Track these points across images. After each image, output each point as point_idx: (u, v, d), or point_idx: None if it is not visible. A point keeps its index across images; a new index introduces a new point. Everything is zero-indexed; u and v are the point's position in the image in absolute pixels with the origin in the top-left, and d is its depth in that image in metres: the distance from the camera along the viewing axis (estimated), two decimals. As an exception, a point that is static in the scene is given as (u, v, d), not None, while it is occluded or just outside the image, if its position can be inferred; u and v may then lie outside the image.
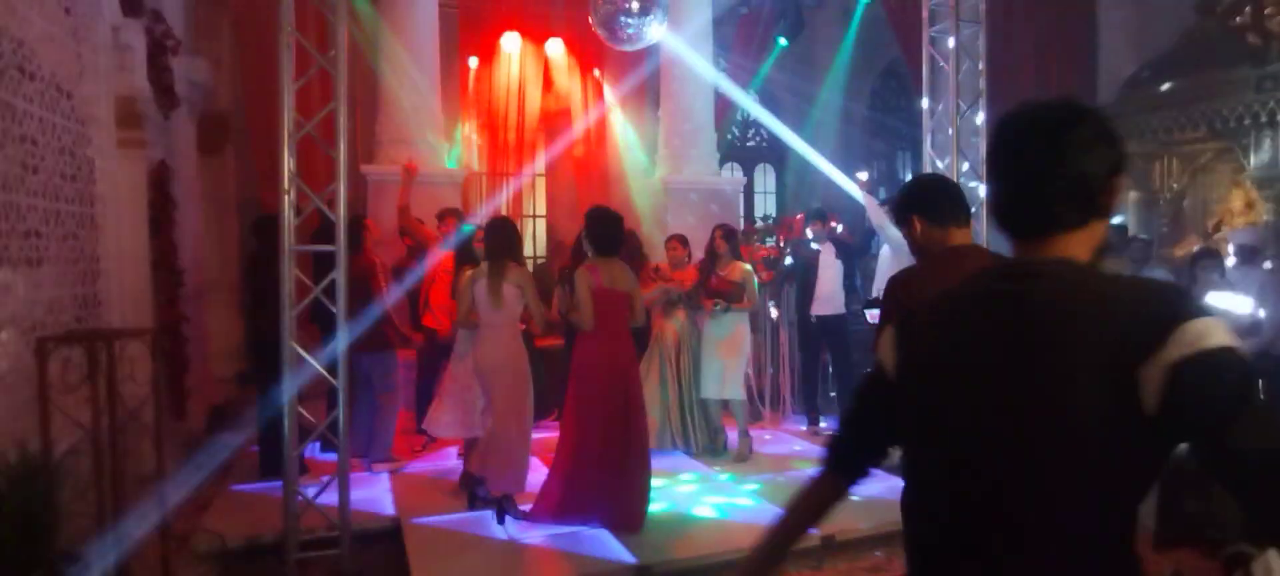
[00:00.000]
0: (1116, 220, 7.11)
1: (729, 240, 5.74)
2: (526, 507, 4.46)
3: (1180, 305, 1.07)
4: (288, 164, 3.68)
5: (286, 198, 3.69)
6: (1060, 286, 1.15)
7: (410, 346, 5.68)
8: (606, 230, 4.44)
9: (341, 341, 3.83)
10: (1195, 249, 6.06)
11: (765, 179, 12.44)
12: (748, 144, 12.16)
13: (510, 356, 4.51)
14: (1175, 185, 7.84)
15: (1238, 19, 8.17)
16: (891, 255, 5.21)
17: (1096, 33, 8.63)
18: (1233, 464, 1.01)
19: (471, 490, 4.63)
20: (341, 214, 3.80)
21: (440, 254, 5.67)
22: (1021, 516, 1.12)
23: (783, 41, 9.58)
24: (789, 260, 6.96)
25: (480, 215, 6.48)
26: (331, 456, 4.80)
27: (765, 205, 12.28)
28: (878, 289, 6.98)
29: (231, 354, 7.74)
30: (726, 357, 5.67)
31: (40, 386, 3.17)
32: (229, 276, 7.97)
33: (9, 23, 3.44)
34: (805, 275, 6.36)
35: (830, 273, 6.21)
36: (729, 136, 9.85)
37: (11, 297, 3.37)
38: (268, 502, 4.69)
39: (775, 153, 11.88)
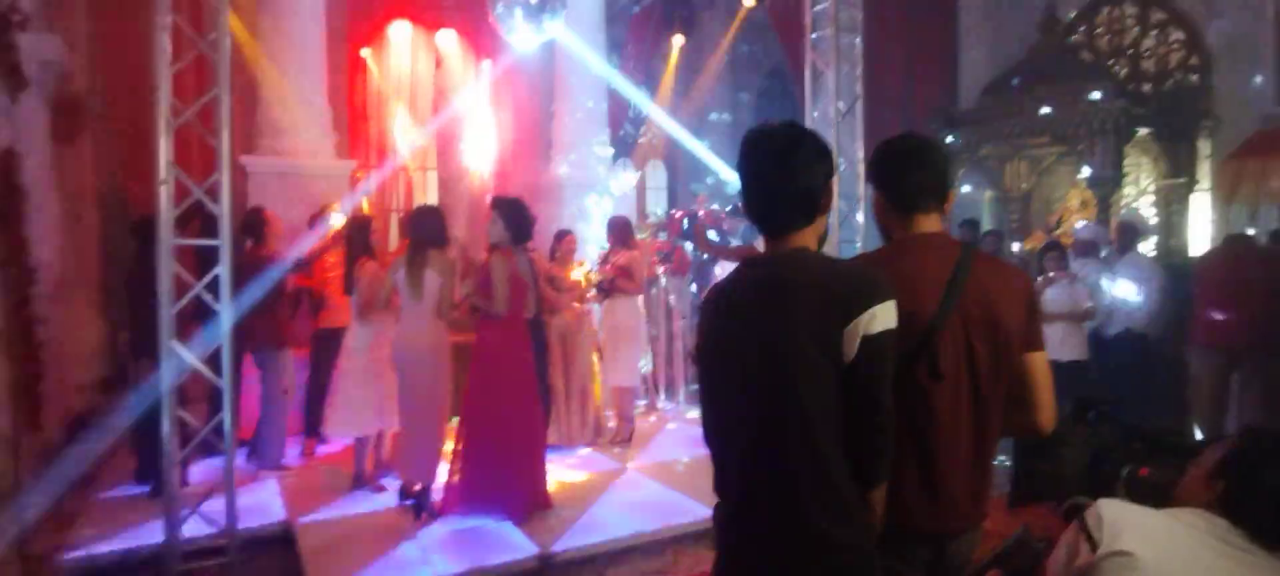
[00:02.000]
0: (970, 216, 7.82)
1: (613, 232, 6.06)
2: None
3: (874, 289, 1.46)
4: (165, 153, 3.48)
5: (164, 188, 3.49)
6: (793, 268, 1.53)
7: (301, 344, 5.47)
8: (523, 219, 4.50)
9: (226, 337, 3.66)
10: (1042, 242, 6.74)
11: (657, 175, 12.68)
12: (640, 140, 12.35)
13: (432, 346, 4.45)
14: (1023, 185, 8.67)
15: (1074, 37, 9.15)
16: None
17: (958, 44, 9.40)
18: (879, 414, 1.47)
19: (402, 487, 4.54)
20: (225, 206, 3.63)
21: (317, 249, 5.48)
22: (779, 452, 1.47)
23: (678, 39, 9.81)
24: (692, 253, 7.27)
25: (349, 207, 6.29)
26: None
27: (657, 201, 12.53)
28: None
29: (93, 358, 7.14)
30: (623, 345, 5.91)
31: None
32: (88, 273, 7.34)
33: None
34: (703, 269, 6.63)
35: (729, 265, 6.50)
36: (621, 133, 9.99)
37: None
38: (143, 511, 4.41)
39: (666, 149, 12.13)
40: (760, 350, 1.50)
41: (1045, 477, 2.42)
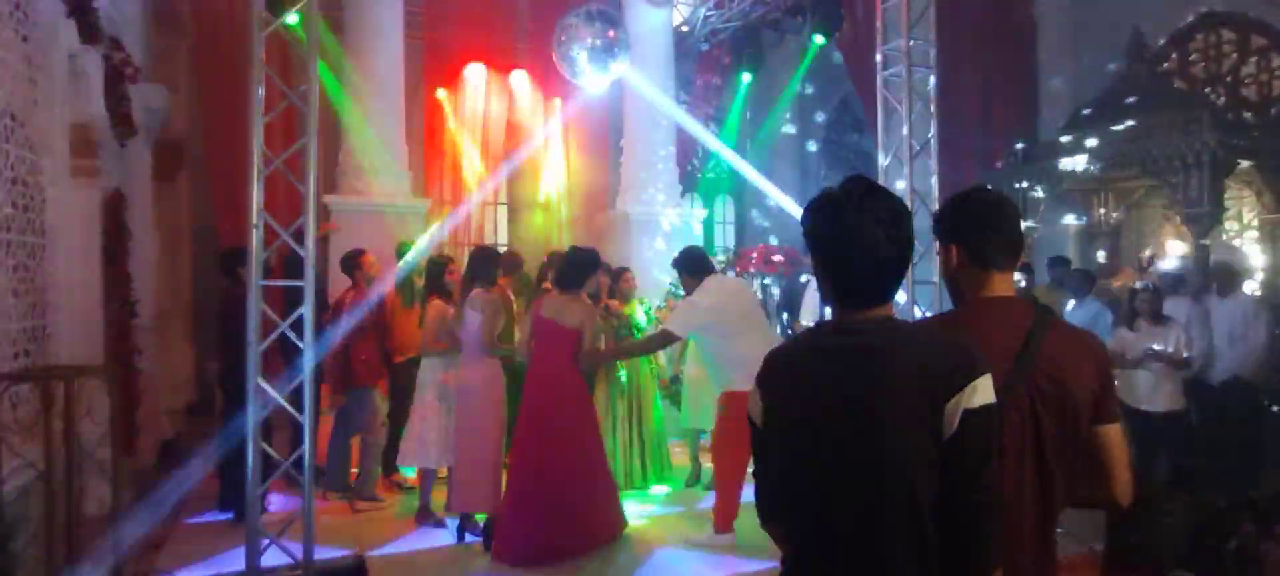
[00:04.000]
0: (1059, 253, 7.47)
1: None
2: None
3: (975, 361, 1.41)
4: (256, 199, 3.66)
5: (254, 232, 3.66)
6: (887, 339, 1.46)
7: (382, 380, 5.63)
8: (568, 267, 4.60)
9: (308, 375, 3.79)
10: (1135, 284, 6.36)
11: (725, 210, 12.66)
12: (707, 175, 12.39)
13: (482, 380, 4.57)
14: (1113, 218, 8.26)
15: (1165, 65, 8.72)
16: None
17: (1038, 76, 9.09)
18: (979, 492, 1.39)
19: (461, 521, 4.65)
20: (310, 248, 3.78)
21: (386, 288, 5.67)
22: (880, 533, 1.39)
23: (746, 77, 9.83)
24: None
25: (430, 245, 6.49)
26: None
27: (725, 236, 12.49)
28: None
29: (182, 385, 7.54)
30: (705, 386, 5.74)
31: (-6, 426, 3.08)
32: (181, 305, 7.78)
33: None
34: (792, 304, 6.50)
35: (813, 301, 6.37)
36: (689, 168, 10.03)
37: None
38: (225, 538, 4.59)
39: (735, 185, 12.11)
40: (856, 425, 1.41)
41: (1140, 548, 2.26)
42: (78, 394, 3.55)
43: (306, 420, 3.78)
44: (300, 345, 3.69)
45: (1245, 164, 7.57)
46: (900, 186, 5.35)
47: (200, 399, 7.63)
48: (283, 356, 4.11)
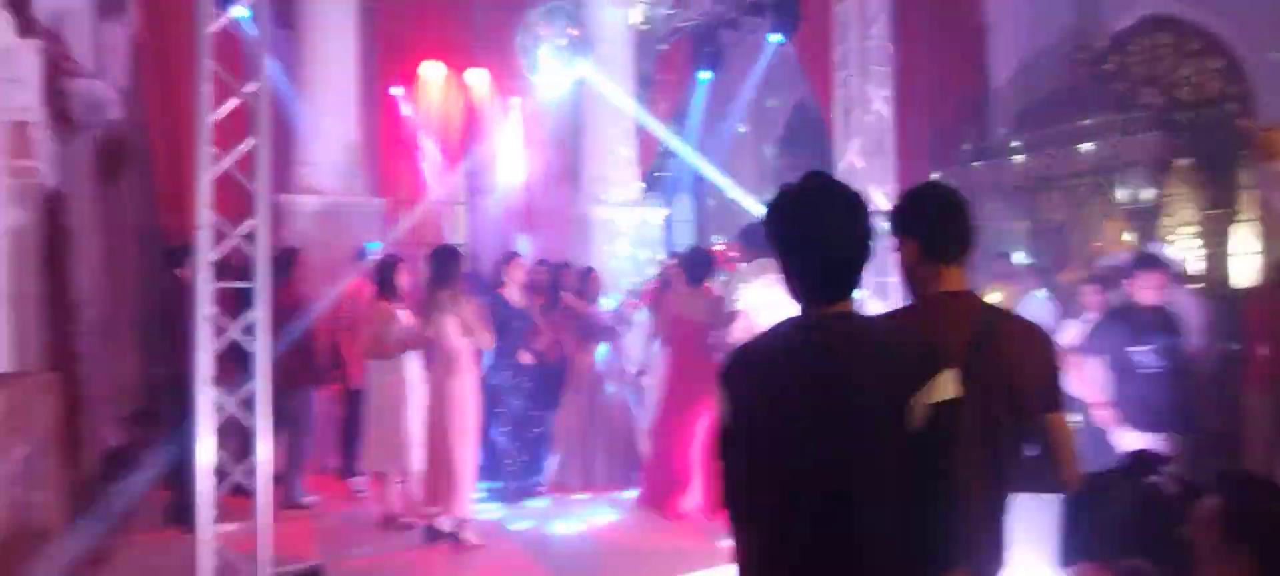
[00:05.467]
0: (1005, 249, 7.68)
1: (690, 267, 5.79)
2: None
3: (938, 355, 1.44)
4: (204, 198, 3.55)
5: (202, 232, 3.55)
6: (853, 334, 1.48)
7: (329, 383, 5.50)
8: (690, 265, 5.25)
9: (261, 379, 3.69)
10: (1077, 277, 6.58)
11: (683, 209, 12.69)
12: (666, 175, 12.39)
13: (451, 383, 4.54)
14: (1058, 217, 8.52)
15: (1106, 65, 9.02)
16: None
17: (987, 77, 9.32)
18: (943, 484, 1.40)
19: (428, 523, 4.60)
20: (262, 250, 3.69)
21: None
22: (847, 529, 1.40)
23: (704, 76, 9.87)
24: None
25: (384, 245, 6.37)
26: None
27: (685, 235, 12.52)
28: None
29: (128, 392, 7.27)
30: None
31: (-76, 438, 2.92)
32: (125, 309, 7.50)
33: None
34: None
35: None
36: (650, 168, 10.03)
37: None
38: (175, 552, 4.44)
39: (693, 183, 12.13)
40: (824, 421, 1.42)
41: (1096, 532, 2.33)
42: (15, 402, 3.40)
43: (258, 426, 3.68)
44: (249, 349, 3.59)
45: (1183, 161, 7.87)
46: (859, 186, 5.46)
47: (147, 406, 7.38)
48: (233, 360, 4.00)
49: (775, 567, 1.51)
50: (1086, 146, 7.87)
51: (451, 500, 4.50)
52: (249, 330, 3.62)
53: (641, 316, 6.67)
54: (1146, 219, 7.61)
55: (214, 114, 3.67)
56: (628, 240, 8.07)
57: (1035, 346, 1.79)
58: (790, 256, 1.51)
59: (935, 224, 1.83)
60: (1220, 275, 7.79)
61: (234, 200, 5.22)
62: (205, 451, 3.56)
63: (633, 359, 6.78)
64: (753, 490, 1.54)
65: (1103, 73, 8.90)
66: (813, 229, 1.47)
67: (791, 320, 1.54)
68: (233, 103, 3.78)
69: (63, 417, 4.93)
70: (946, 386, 1.41)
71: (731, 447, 1.59)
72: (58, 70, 5.16)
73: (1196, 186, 8.09)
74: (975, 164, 8.58)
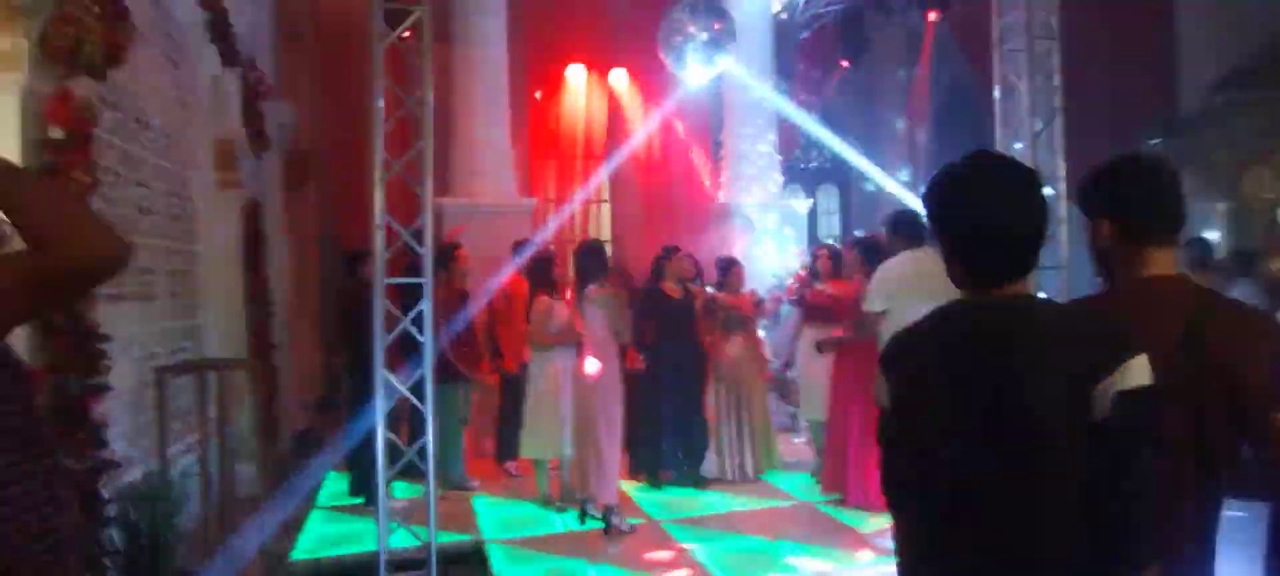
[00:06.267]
0: (1205, 234, 6.83)
1: (834, 259, 5.72)
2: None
3: (1126, 340, 1.33)
4: (378, 202, 3.86)
5: (377, 233, 3.87)
6: (1030, 317, 1.39)
7: (488, 372, 5.81)
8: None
9: (428, 367, 3.97)
10: (1293, 263, 5.74)
11: (829, 200, 12.37)
12: (810, 165, 12.11)
13: (601, 373, 4.69)
14: (1268, 195, 7.49)
15: (1329, 20, 7.81)
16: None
17: (1176, 40, 8.34)
18: (1133, 481, 1.29)
19: (581, 508, 4.81)
20: (428, 247, 3.96)
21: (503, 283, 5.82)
22: (1023, 522, 1.32)
23: (845, 63, 9.56)
24: None
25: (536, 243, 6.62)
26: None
27: (829, 226, 12.19)
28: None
29: (312, 380, 8.06)
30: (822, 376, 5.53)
31: (160, 412, 3.38)
32: (310, 304, 8.32)
33: (128, 79, 3.74)
34: None
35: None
36: (793, 158, 9.84)
37: (128, 329, 3.62)
38: (356, 523, 4.88)
39: (838, 173, 11.79)
40: (998, 409, 1.33)
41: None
42: (228, 385, 3.86)
43: (429, 409, 3.96)
44: (420, 339, 3.86)
45: None
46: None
47: (327, 393, 8.16)
48: (402, 352, 4.33)
49: (942, 561, 1.44)
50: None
51: (601, 486, 4.65)
52: (417, 322, 3.90)
53: (787, 310, 6.57)
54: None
55: (386, 124, 3.98)
56: (771, 232, 7.96)
57: (1261, 336, 1.58)
58: (955, 238, 1.43)
59: (1139, 200, 1.65)
60: None
61: (402, 204, 5.65)
62: (382, 434, 3.87)
63: (778, 352, 6.70)
64: (918, 480, 1.47)
65: (1322, 27, 7.73)
66: (982, 206, 1.39)
67: (958, 302, 1.46)
68: (401, 113, 4.08)
69: (264, 399, 5.56)
70: (1138, 373, 1.30)
71: (895, 435, 1.53)
72: (254, 93, 5.80)
73: None
74: (1160, 139, 7.72)
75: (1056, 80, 5.09)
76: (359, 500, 5.29)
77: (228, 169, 5.40)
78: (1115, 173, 1.69)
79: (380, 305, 3.78)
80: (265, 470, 5.15)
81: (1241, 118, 7.31)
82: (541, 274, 5.27)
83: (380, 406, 3.77)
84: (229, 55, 5.33)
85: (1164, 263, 1.63)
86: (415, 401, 3.93)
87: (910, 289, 4.07)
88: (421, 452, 3.96)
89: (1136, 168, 1.69)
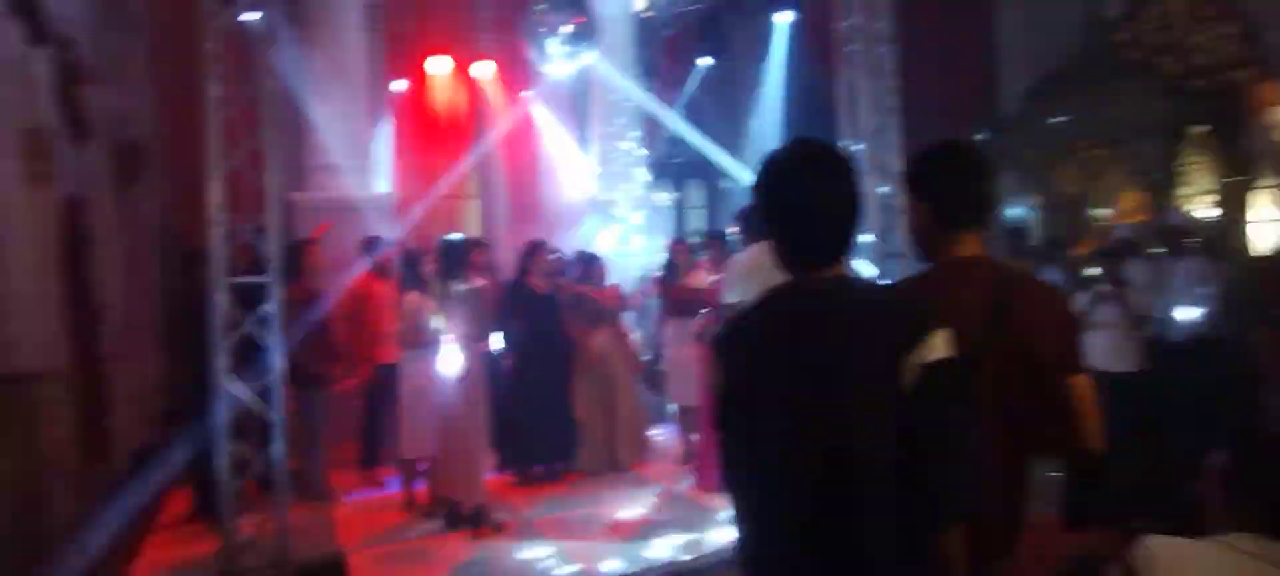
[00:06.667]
0: (1017, 222, 7.61)
1: (691, 253, 5.94)
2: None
3: (929, 315, 1.41)
4: (215, 195, 3.62)
5: (216, 230, 3.62)
6: (845, 298, 1.46)
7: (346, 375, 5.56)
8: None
9: (275, 372, 3.77)
10: (1094, 249, 6.52)
11: (695, 194, 12.71)
12: (677, 161, 12.39)
13: (465, 371, 4.59)
14: (1072, 189, 8.44)
15: (1120, 35, 8.89)
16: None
17: (996, 48, 9.21)
18: (938, 446, 1.38)
19: (450, 511, 4.68)
20: (274, 244, 3.75)
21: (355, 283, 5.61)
22: (846, 494, 1.39)
23: (705, 62, 9.85)
24: None
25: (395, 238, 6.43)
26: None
27: (696, 220, 12.54)
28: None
29: (155, 392, 7.41)
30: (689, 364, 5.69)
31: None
32: (148, 311, 7.64)
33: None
34: None
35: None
36: (658, 154, 10.04)
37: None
38: (201, 542, 4.54)
39: (705, 168, 12.13)
40: (820, 387, 1.40)
41: (1099, 497, 2.33)
42: (39, 401, 3.49)
43: (277, 418, 3.76)
44: (266, 343, 3.66)
45: (1201, 129, 7.76)
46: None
47: (173, 405, 7.53)
48: (251, 357, 4.07)
49: (776, 535, 1.50)
50: (1099, 116, 7.78)
51: (469, 487, 4.58)
52: (263, 324, 3.69)
53: (652, 302, 6.71)
54: (1160, 188, 7.51)
55: (222, 114, 3.73)
56: (638, 227, 8.10)
57: (1054, 310, 1.74)
58: (779, 221, 1.50)
59: (949, 186, 1.75)
60: (1239, 242, 7.69)
61: (248, 200, 5.30)
62: (225, 445, 3.64)
63: (648, 344, 6.84)
64: (751, 460, 1.53)
65: (1116, 41, 8.78)
66: (800, 192, 1.46)
67: (781, 286, 1.53)
68: (241, 102, 3.84)
69: (90, 416, 5.06)
70: (938, 346, 1.39)
71: (728, 419, 1.58)
72: (71, 77, 5.25)
73: (1213, 154, 7.99)
74: (986, 136, 8.52)
75: (892, 82, 5.50)
76: (204, 519, 4.93)
77: (38, 160, 4.86)
78: (928, 160, 1.80)
79: (220, 307, 3.55)
80: (93, 492, 4.70)
81: (1050, 120, 8.19)
82: (412, 271, 5.12)
83: (221, 414, 3.54)
84: (36, 33, 4.79)
85: (973, 244, 1.75)
86: (262, 409, 3.72)
87: (759, 278, 4.27)
88: (271, 464, 3.76)
89: (948, 157, 1.79)
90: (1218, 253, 7.40)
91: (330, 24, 7.04)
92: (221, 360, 3.61)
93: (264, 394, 3.80)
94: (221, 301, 3.60)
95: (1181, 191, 8.01)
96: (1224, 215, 7.87)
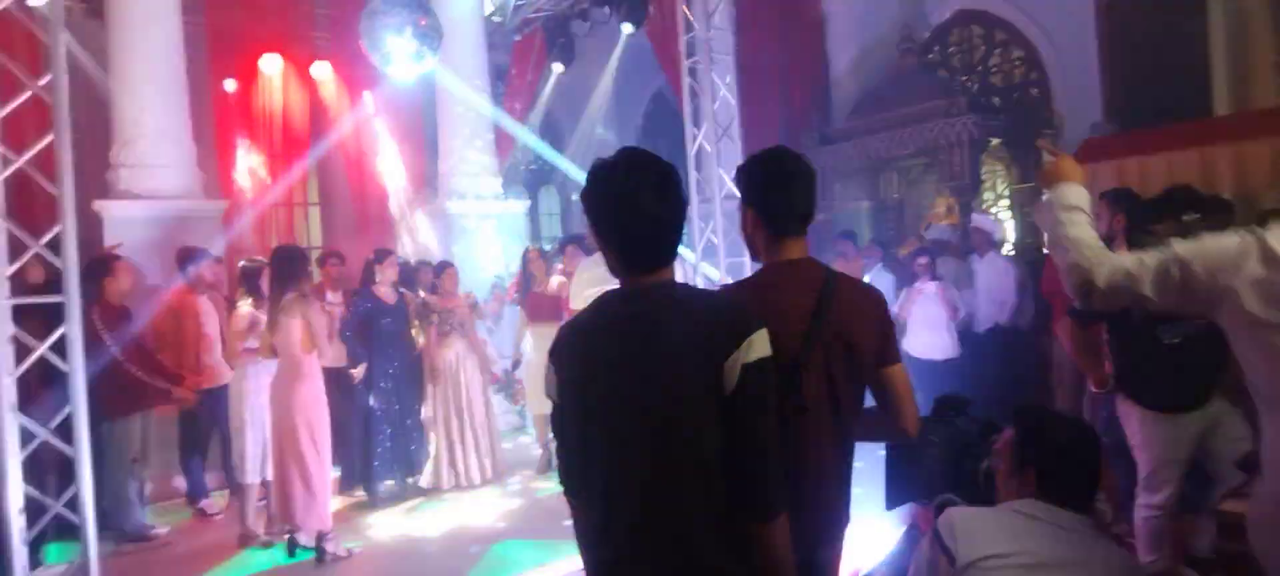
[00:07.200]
0: (847, 227, 8.24)
1: (544, 259, 5.93)
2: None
3: (749, 318, 1.48)
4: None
5: (-4, 244, 3.20)
6: (667, 303, 1.51)
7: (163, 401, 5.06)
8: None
9: (77, 401, 3.37)
10: (913, 249, 7.17)
11: (549, 201, 12.69)
12: (531, 167, 12.33)
13: (301, 390, 4.31)
14: (895, 195, 9.22)
15: (930, 56, 9.85)
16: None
17: (828, 66, 9.91)
18: (760, 441, 1.46)
19: (289, 539, 4.39)
20: (71, 259, 3.36)
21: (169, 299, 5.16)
22: (673, 492, 1.44)
23: (557, 67, 9.86)
24: None
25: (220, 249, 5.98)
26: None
27: (551, 227, 12.52)
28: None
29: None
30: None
31: None
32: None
33: None
34: None
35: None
36: (510, 161, 9.93)
37: None
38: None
39: (559, 175, 12.15)
40: (643, 389, 1.45)
41: (914, 477, 2.57)
42: None
43: (81, 453, 3.36)
44: (64, 369, 3.27)
45: (996, 141, 8.74)
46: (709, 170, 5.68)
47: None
48: (47, 385, 3.62)
49: (608, 537, 1.53)
50: (915, 130, 8.57)
51: (309, 513, 4.31)
52: (60, 349, 3.29)
53: (507, 309, 6.64)
54: (967, 194, 8.39)
55: (6, 109, 3.30)
56: (489, 234, 7.96)
57: (870, 306, 1.87)
58: (605, 228, 1.54)
59: (772, 193, 1.84)
60: (1031, 240, 8.72)
61: (41, 208, 4.71)
62: (14, 487, 3.21)
63: (504, 353, 6.75)
64: (584, 463, 1.56)
65: (927, 62, 9.72)
66: (624, 201, 1.50)
67: (611, 292, 1.57)
68: (24, 96, 3.41)
69: None
70: (759, 346, 1.45)
71: (563, 423, 1.60)
72: None
73: (1007, 163, 9.02)
74: (821, 147, 9.13)
75: (734, 95, 5.78)
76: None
77: None
78: (754, 168, 1.90)
79: (4, 330, 3.13)
80: None
81: (872, 134, 8.93)
82: (249, 283, 4.74)
83: (10, 452, 3.12)
84: None
85: (798, 248, 1.86)
86: (60, 444, 3.31)
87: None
88: (73, 505, 3.36)
89: (772, 166, 1.88)
90: (1018, 252, 8.40)
91: (139, 13, 6.36)
92: (7, 392, 3.18)
93: (64, 427, 3.39)
94: (5, 326, 3.17)
95: (984, 197, 8.99)
96: (1017, 216, 8.91)
